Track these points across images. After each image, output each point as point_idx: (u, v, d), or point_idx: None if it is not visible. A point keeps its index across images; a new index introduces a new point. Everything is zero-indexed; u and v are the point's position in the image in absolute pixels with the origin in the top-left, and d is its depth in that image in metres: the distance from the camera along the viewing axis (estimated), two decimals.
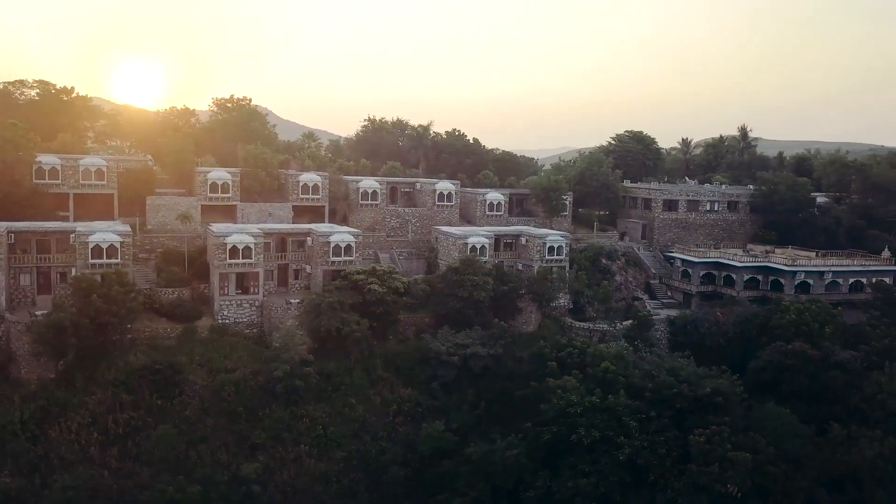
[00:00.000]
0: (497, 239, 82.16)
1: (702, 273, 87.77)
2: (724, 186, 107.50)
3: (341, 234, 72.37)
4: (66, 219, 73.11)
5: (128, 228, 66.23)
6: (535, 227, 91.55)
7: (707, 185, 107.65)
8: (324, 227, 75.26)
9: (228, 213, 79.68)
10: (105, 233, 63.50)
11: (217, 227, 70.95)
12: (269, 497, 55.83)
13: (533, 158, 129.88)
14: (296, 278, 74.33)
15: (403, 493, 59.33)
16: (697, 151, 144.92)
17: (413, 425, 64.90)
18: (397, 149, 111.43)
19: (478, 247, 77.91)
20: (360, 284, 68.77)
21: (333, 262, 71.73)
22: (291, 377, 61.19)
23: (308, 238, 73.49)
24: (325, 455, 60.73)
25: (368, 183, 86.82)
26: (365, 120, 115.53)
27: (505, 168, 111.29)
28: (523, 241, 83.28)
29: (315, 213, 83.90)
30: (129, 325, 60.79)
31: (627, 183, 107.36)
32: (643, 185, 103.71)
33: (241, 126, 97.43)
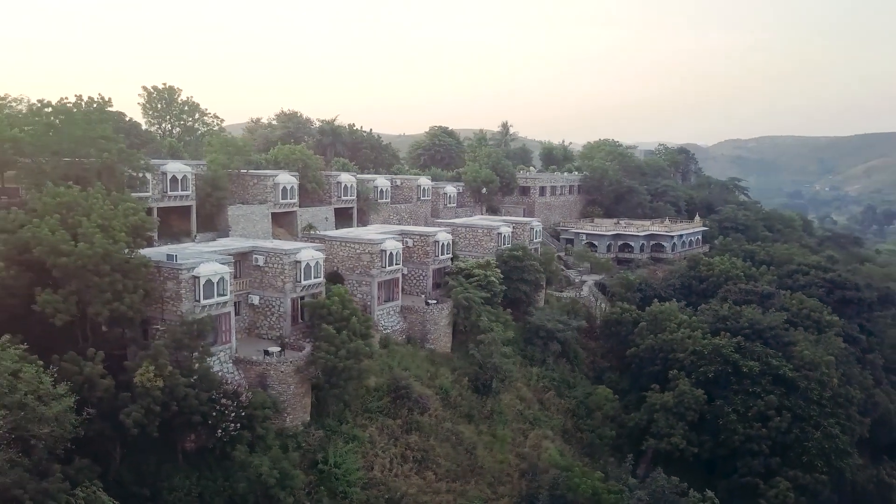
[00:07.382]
0: None
1: (607, 243, 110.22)
2: (566, 174, 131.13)
3: (444, 234, 73.94)
4: (150, 239, 58.63)
5: (319, 244, 58.49)
6: (468, 214, 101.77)
7: (558, 173, 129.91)
8: (424, 228, 75.28)
9: (282, 220, 72.16)
10: (308, 250, 55.89)
11: (357, 232, 66.31)
12: None
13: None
14: None
15: (609, 450, 68.41)
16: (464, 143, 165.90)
17: (558, 395, 73.19)
18: (313, 144, 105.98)
19: (506, 235, 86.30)
20: (479, 278, 72.91)
21: (440, 261, 73.22)
22: (501, 370, 64.42)
23: (408, 239, 72.83)
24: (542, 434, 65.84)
25: (382, 182, 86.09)
26: (280, 112, 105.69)
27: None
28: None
29: (343, 215, 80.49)
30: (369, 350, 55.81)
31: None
32: (522, 175, 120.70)
33: (177, 119, 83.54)
